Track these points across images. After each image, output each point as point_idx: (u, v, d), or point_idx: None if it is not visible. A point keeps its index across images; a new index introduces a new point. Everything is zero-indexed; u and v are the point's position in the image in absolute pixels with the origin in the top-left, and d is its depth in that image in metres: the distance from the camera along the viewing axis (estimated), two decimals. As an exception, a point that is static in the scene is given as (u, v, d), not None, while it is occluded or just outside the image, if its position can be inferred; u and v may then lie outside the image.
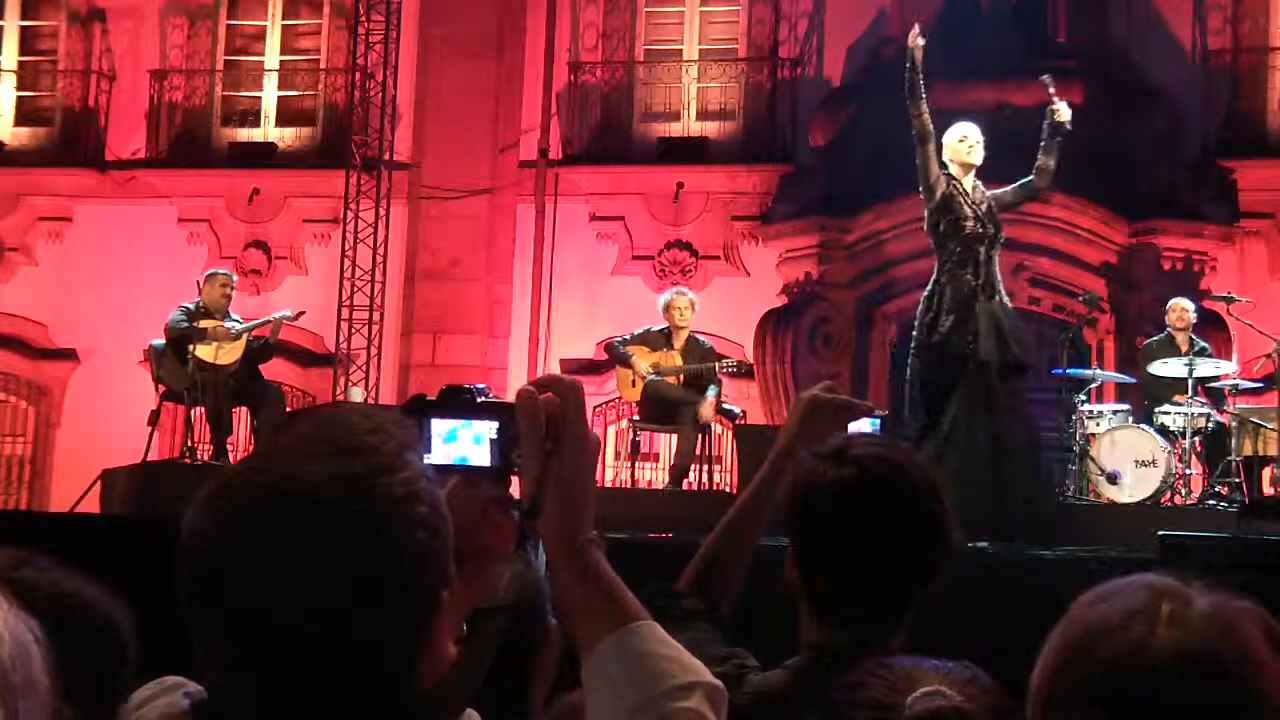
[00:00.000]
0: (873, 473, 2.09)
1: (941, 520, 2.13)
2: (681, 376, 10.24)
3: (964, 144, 8.17)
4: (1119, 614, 1.47)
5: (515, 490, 1.56)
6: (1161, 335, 10.75)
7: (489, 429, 1.56)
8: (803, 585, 2.15)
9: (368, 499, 1.26)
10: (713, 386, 10.17)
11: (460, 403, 1.57)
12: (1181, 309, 10.60)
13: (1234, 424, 9.70)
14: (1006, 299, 8.30)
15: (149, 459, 10.60)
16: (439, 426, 1.57)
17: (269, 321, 10.55)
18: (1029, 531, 7.57)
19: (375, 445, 1.29)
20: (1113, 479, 9.26)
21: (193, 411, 10.38)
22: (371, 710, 1.27)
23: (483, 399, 1.57)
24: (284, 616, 1.23)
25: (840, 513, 2.09)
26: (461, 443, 1.57)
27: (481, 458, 1.56)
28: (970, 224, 8.04)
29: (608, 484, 11.73)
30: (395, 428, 1.34)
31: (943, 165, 8.16)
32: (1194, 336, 10.60)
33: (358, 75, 14.78)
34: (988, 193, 8.21)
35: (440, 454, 1.56)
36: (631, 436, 10.70)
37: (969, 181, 8.16)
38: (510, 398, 1.54)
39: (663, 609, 2.19)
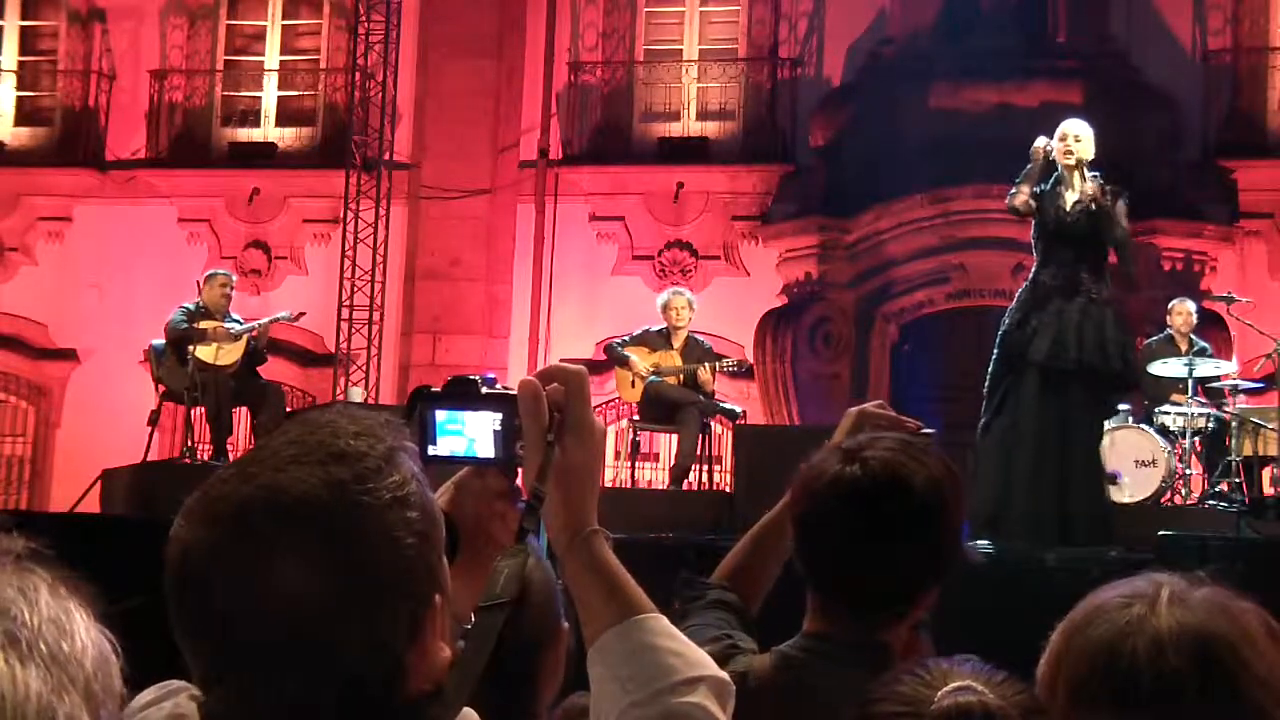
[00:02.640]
0: (874, 471, 2.10)
1: (944, 522, 2.13)
2: (681, 376, 10.24)
3: (1064, 143, 7.80)
4: (1121, 596, 1.52)
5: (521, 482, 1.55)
6: (1161, 335, 10.74)
7: (493, 420, 1.55)
8: (804, 575, 2.18)
9: (354, 505, 1.24)
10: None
11: (464, 394, 1.56)
12: (1187, 313, 10.57)
13: (1234, 424, 9.70)
14: (1097, 304, 7.82)
15: (149, 459, 10.61)
16: (442, 417, 1.56)
17: (266, 322, 10.57)
18: (1036, 535, 7.53)
19: (362, 450, 1.28)
20: (1113, 479, 9.23)
21: (193, 412, 10.37)
22: (364, 715, 1.26)
23: (487, 390, 1.56)
24: (272, 623, 1.22)
25: (838, 508, 2.11)
26: (465, 434, 1.56)
27: (486, 449, 1.55)
28: (1056, 224, 7.71)
29: (608, 484, 11.72)
30: (383, 430, 1.32)
31: (1052, 168, 7.79)
32: (1193, 337, 10.59)
33: (358, 75, 14.77)
34: (1104, 193, 7.75)
35: (444, 445, 1.55)
36: (631, 436, 10.70)
37: (1076, 178, 7.77)
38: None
39: (691, 597, 2.23)
